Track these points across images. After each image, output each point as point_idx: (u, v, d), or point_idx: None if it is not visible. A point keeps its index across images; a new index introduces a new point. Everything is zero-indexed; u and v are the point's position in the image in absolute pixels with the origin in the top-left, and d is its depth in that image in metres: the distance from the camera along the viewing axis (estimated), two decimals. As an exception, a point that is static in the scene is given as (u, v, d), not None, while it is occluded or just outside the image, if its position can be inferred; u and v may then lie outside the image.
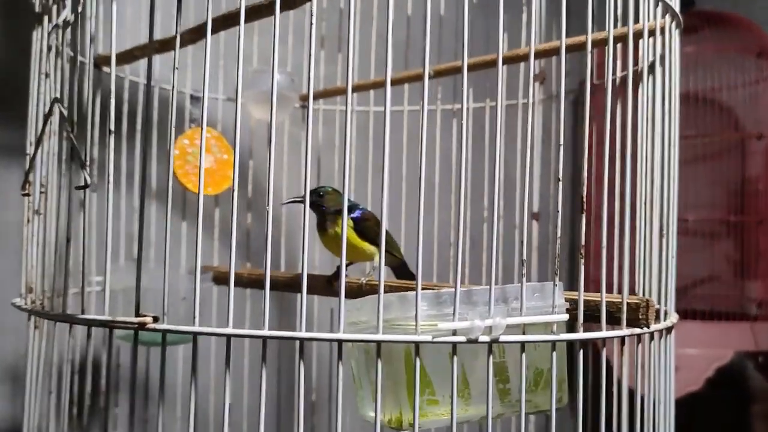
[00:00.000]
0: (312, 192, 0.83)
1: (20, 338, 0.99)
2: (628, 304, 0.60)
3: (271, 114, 0.56)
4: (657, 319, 0.63)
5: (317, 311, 1.13)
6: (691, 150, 1.94)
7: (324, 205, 0.82)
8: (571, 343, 0.56)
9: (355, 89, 1.11)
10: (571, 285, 0.60)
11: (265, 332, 0.52)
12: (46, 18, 0.67)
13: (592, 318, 0.58)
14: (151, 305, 0.58)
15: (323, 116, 1.19)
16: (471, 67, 0.93)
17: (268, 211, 0.54)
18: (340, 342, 0.52)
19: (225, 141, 1.05)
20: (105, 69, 0.88)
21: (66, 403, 0.61)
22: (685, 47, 2.05)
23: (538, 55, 0.88)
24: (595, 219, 0.60)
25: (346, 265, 0.88)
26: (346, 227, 0.58)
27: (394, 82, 1.07)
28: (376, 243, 0.83)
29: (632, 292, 0.66)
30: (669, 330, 0.68)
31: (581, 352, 0.56)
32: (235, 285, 1.00)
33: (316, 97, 1.15)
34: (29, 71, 0.74)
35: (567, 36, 0.66)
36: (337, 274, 0.86)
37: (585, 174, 0.56)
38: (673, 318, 0.69)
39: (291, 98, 1.10)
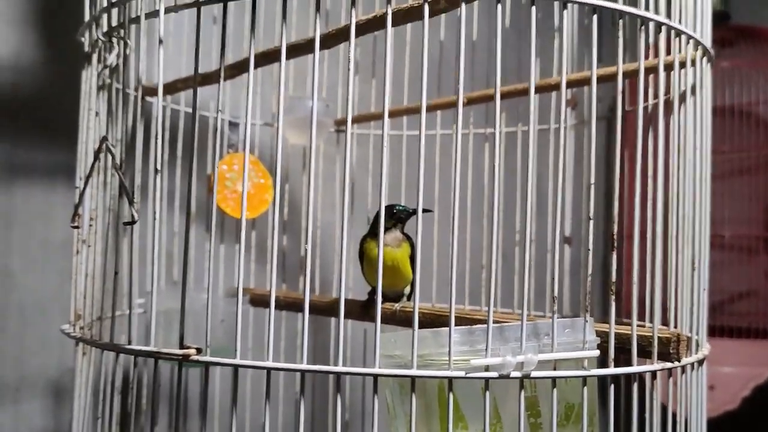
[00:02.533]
0: (395, 207, 0.83)
1: (63, 354, 1.03)
2: (659, 338, 0.60)
3: (310, 142, 0.58)
4: (688, 351, 0.64)
5: (350, 333, 1.15)
6: (728, 165, 1.92)
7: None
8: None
9: (389, 115, 1.13)
10: (605, 315, 0.61)
11: (303, 366, 0.54)
12: (95, 57, 0.70)
13: (625, 351, 0.59)
14: (190, 328, 0.60)
15: (357, 140, 1.21)
16: (503, 95, 0.94)
17: (306, 249, 0.56)
18: (375, 377, 0.54)
19: (262, 165, 1.08)
20: (148, 99, 0.92)
21: (113, 427, 0.64)
22: (720, 62, 2.04)
23: (570, 84, 0.89)
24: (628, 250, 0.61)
25: (375, 291, 0.90)
26: (380, 250, 0.59)
27: (427, 109, 1.09)
28: (414, 270, 0.85)
29: (665, 324, 0.67)
30: (701, 362, 0.68)
31: (612, 386, 0.57)
32: (268, 307, 1.03)
33: (353, 121, 1.17)
34: (75, 100, 0.78)
35: (599, 64, 0.67)
36: (371, 300, 0.88)
37: (616, 212, 0.57)
38: (705, 350, 0.69)
39: (326, 123, 1.12)
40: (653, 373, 0.60)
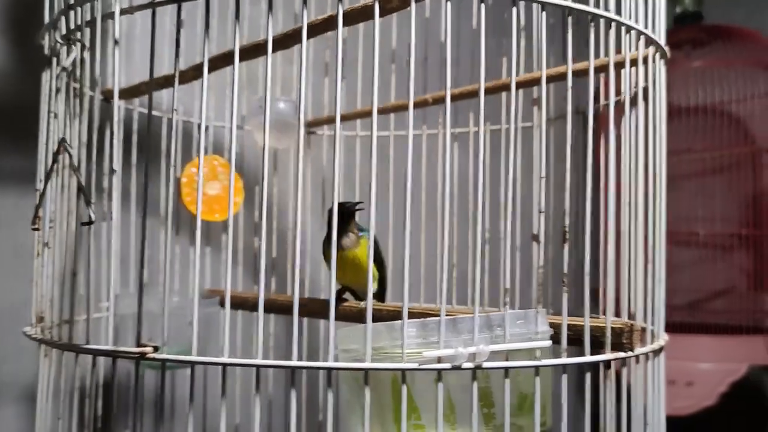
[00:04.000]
0: (348, 203, 0.83)
1: (36, 360, 1.03)
2: (612, 328, 0.62)
3: (298, 147, 0.59)
4: (643, 341, 0.65)
5: (322, 333, 1.15)
6: (702, 163, 1.95)
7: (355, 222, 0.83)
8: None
9: (356, 116, 1.14)
10: (577, 308, 0.62)
11: (258, 361, 0.55)
12: (54, 60, 0.71)
13: (578, 342, 0.61)
14: (160, 330, 0.61)
15: (328, 140, 1.21)
16: (465, 95, 0.96)
17: (259, 244, 0.57)
18: (329, 370, 0.54)
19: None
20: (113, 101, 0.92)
21: (75, 428, 0.64)
22: (694, 61, 2.05)
23: (535, 82, 0.90)
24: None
25: (345, 290, 0.91)
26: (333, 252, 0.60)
27: (394, 109, 1.10)
28: (378, 268, 0.86)
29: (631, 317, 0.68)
30: (657, 352, 0.69)
31: (564, 376, 0.58)
32: (242, 308, 1.03)
33: (320, 123, 1.18)
34: (36, 102, 0.78)
35: (563, 61, 0.69)
36: (339, 298, 0.89)
37: (567, 206, 0.59)
38: (661, 340, 0.71)
39: (296, 125, 1.13)
40: (606, 363, 0.61)
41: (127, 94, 0.92)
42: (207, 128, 1.12)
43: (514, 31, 0.58)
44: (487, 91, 0.94)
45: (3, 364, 1.02)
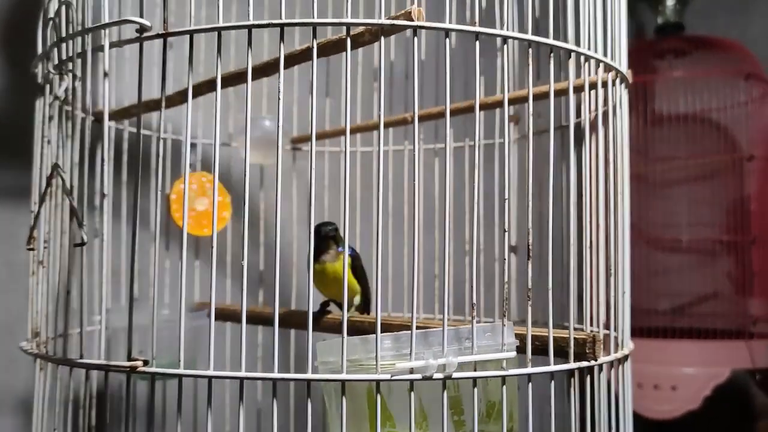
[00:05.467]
0: (328, 225, 0.88)
1: (31, 373, 1.06)
2: (575, 338, 0.65)
3: (277, 162, 0.63)
4: (606, 351, 0.69)
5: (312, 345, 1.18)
6: (685, 171, 1.98)
7: (335, 240, 0.88)
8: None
9: (342, 132, 1.18)
10: (561, 318, 0.66)
11: (242, 374, 0.58)
12: (47, 88, 0.74)
13: (542, 352, 0.64)
14: (149, 343, 0.64)
15: (314, 156, 1.25)
16: (450, 113, 0.99)
17: (243, 265, 0.60)
18: (308, 381, 0.58)
19: (220, 184, 1.12)
20: (108, 124, 0.96)
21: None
22: (675, 71, 2.09)
23: (511, 101, 0.94)
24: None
25: (329, 302, 0.94)
26: (345, 264, 0.64)
27: (373, 127, 1.14)
28: (360, 282, 0.90)
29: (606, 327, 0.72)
30: (621, 360, 0.73)
31: (529, 385, 0.61)
32: (228, 320, 1.07)
33: (305, 140, 1.22)
34: (30, 121, 0.81)
35: (538, 83, 0.73)
36: (322, 311, 0.93)
37: (529, 222, 0.62)
38: (626, 349, 0.74)
39: (283, 142, 1.17)
40: (570, 372, 0.65)
41: (118, 115, 0.95)
42: (195, 146, 1.15)
43: (478, 62, 0.62)
44: (464, 110, 0.99)
45: (-1, 378, 1.05)
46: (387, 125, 1.12)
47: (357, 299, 0.91)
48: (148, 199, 1.09)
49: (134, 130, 1.06)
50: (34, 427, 0.72)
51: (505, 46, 0.64)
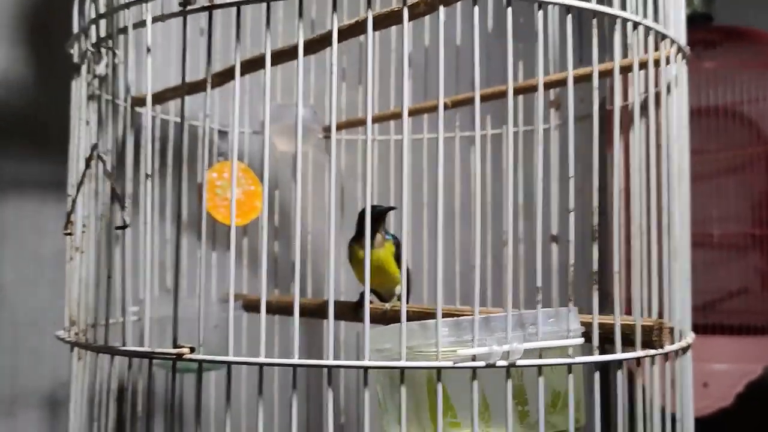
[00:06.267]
0: (374, 207, 0.84)
1: (57, 366, 1.04)
2: (642, 326, 0.62)
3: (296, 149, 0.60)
4: (671, 339, 0.65)
5: (344, 336, 1.16)
6: (715, 164, 1.95)
7: (381, 222, 0.84)
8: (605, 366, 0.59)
9: (375, 120, 1.15)
10: (602, 306, 0.63)
11: (295, 360, 0.55)
12: (84, 67, 0.72)
13: (609, 341, 0.61)
14: (184, 334, 0.61)
15: (346, 145, 1.22)
16: (487, 97, 0.96)
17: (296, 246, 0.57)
18: (365, 369, 0.55)
19: (252, 173, 1.09)
20: (138, 109, 0.93)
21: (111, 430, 0.65)
22: (704, 63, 2.05)
23: (552, 85, 0.91)
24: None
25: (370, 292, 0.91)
26: (367, 251, 0.61)
27: (412, 113, 1.11)
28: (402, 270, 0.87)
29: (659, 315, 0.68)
30: (684, 350, 0.70)
31: (597, 374, 0.58)
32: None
33: (338, 127, 1.19)
34: (65, 114, 0.79)
35: (583, 64, 0.69)
36: (362, 300, 0.90)
37: (596, 204, 0.59)
38: (689, 338, 0.71)
39: (314, 130, 1.14)
40: (637, 360, 0.61)
41: (143, 102, 0.93)
42: (226, 134, 1.13)
43: (549, 32, 0.58)
44: (503, 95, 0.95)
45: (24, 372, 1.03)
46: (422, 111, 1.09)
47: (398, 288, 0.88)
48: (177, 189, 1.07)
49: (164, 116, 1.04)
50: (72, 421, 0.70)
51: (543, 14, 0.61)
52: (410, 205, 0.61)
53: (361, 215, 0.83)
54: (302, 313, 0.96)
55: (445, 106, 1.06)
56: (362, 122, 1.17)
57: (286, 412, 1.07)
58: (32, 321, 1.04)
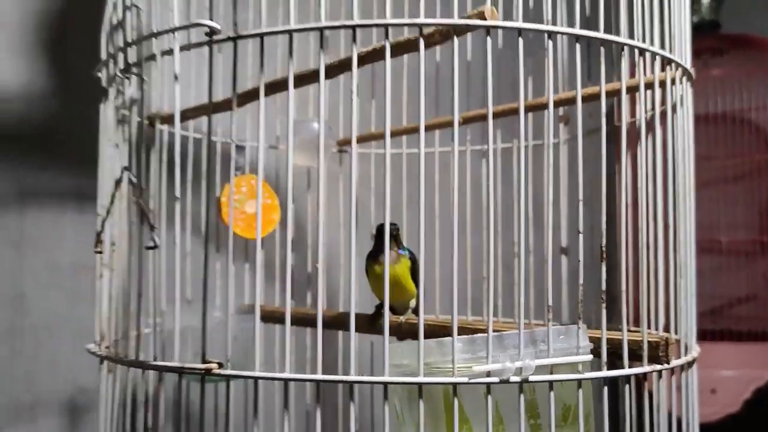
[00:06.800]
0: (393, 224, 0.88)
1: (74, 374, 1.07)
2: (648, 342, 0.65)
3: (319, 160, 0.63)
4: (677, 354, 0.68)
5: (358, 346, 1.18)
6: (722, 171, 1.96)
7: (396, 240, 0.87)
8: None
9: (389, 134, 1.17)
10: (609, 320, 0.65)
11: (319, 376, 0.58)
12: (111, 91, 0.75)
13: (618, 356, 0.64)
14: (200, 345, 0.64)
15: (359, 159, 1.25)
16: (497, 114, 0.99)
17: (317, 267, 0.60)
18: (386, 384, 0.58)
19: (268, 186, 1.12)
20: (159, 126, 0.96)
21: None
22: (712, 70, 2.07)
23: (561, 103, 0.93)
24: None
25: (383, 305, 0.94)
26: (386, 267, 0.63)
27: (425, 128, 1.14)
28: (417, 284, 0.90)
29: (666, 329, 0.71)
30: (690, 364, 0.72)
31: (606, 388, 0.61)
32: (277, 322, 1.07)
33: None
34: (83, 128, 0.81)
35: (590, 83, 0.71)
36: (378, 313, 0.92)
37: (603, 225, 0.62)
38: (695, 352, 0.73)
39: (328, 145, 1.17)
40: (644, 375, 0.64)
41: (170, 119, 0.96)
42: (243, 148, 1.16)
43: (559, 55, 0.61)
44: (513, 112, 0.98)
45: (43, 379, 1.06)
46: (434, 127, 1.12)
47: (413, 302, 0.91)
48: (198, 203, 1.10)
49: (185, 132, 1.07)
50: (101, 429, 0.73)
51: (553, 43, 0.64)
52: (424, 216, 0.64)
53: (377, 231, 0.87)
54: (316, 324, 1.00)
55: (461, 122, 1.09)
56: (375, 137, 1.20)
57: (297, 424, 1.10)
58: (51, 328, 1.07)
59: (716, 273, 1.94)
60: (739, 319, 1.92)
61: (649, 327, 0.71)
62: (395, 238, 0.86)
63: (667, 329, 0.73)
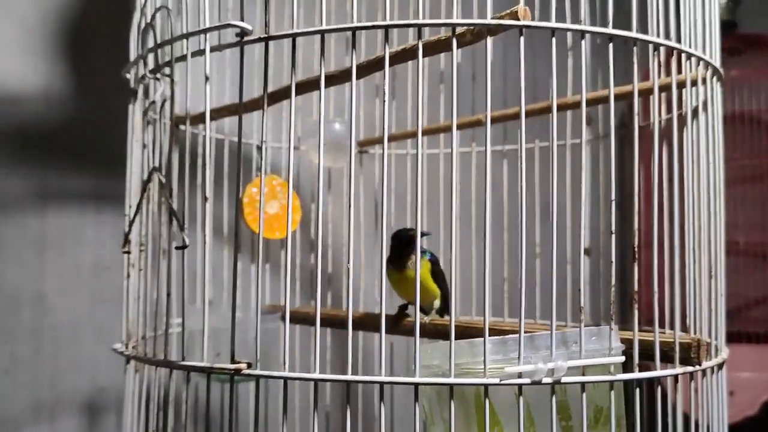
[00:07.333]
0: (409, 230, 0.89)
1: (95, 374, 1.08)
2: (680, 343, 0.64)
3: (350, 163, 0.62)
4: (708, 355, 0.67)
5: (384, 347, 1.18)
6: (739, 172, 1.95)
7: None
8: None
9: (410, 135, 1.17)
10: (624, 322, 0.65)
11: (349, 377, 0.58)
12: (140, 92, 0.75)
13: (649, 357, 0.63)
14: (224, 345, 0.64)
15: (379, 160, 1.25)
16: (517, 116, 0.98)
17: (348, 268, 0.60)
18: (416, 386, 0.58)
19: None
20: (182, 127, 0.97)
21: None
22: (729, 70, 2.06)
23: (589, 103, 0.93)
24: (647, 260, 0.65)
25: (407, 306, 0.94)
26: (417, 270, 0.63)
27: (444, 129, 1.14)
28: (439, 285, 0.90)
29: (685, 330, 0.70)
30: (720, 366, 0.72)
31: (637, 390, 0.60)
32: (302, 323, 1.07)
33: (373, 143, 1.22)
34: (104, 128, 0.81)
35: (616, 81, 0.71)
36: (401, 314, 0.92)
37: (636, 225, 0.61)
38: (724, 354, 0.73)
39: (348, 145, 1.17)
40: (675, 377, 0.64)
41: (196, 120, 0.96)
42: (265, 149, 1.16)
43: (583, 54, 0.61)
44: (537, 112, 0.98)
45: (64, 379, 1.07)
46: (459, 127, 1.11)
47: (437, 303, 0.91)
48: (220, 203, 1.11)
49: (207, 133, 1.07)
50: (126, 429, 0.73)
51: (583, 42, 0.63)
52: (445, 217, 0.64)
53: (393, 237, 0.89)
54: (339, 325, 1.00)
55: (481, 122, 1.09)
56: (395, 138, 1.20)
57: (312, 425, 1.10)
58: (72, 328, 1.08)
59: (733, 274, 1.92)
60: (756, 320, 1.91)
61: (663, 327, 0.71)
62: (414, 242, 0.87)
63: (685, 329, 0.72)
